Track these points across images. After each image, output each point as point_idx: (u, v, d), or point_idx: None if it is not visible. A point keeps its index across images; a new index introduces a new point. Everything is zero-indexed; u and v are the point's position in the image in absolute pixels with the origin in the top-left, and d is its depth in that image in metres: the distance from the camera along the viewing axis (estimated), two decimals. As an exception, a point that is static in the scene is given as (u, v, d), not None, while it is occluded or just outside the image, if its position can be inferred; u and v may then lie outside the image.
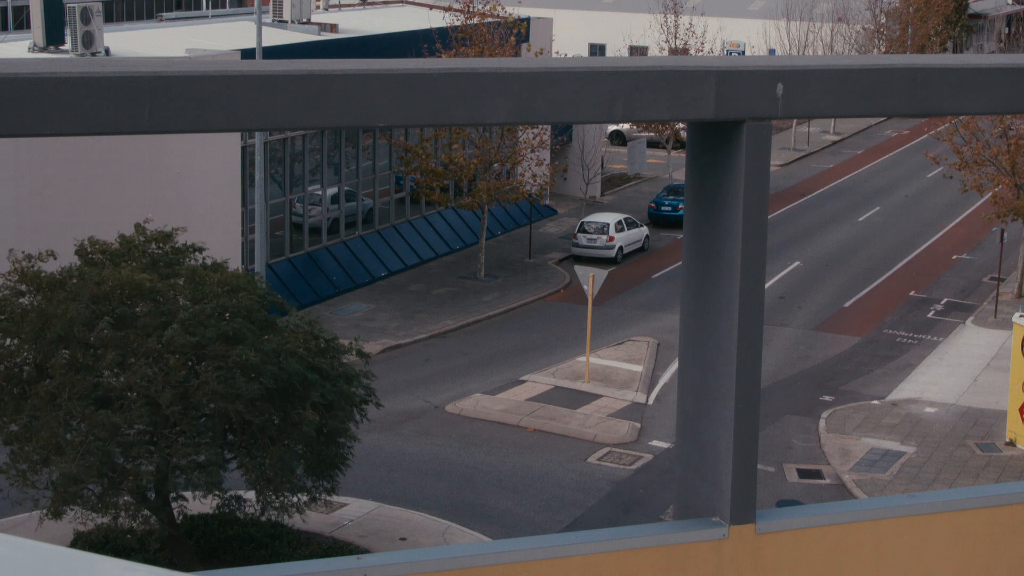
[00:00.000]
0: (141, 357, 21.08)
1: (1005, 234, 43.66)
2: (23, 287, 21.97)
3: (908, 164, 66.35)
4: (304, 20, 47.99)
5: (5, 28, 61.31)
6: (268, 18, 46.72)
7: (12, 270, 22.08)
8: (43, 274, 21.90)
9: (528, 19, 54.10)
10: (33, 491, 21.47)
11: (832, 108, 3.94)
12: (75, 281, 21.60)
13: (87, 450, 20.60)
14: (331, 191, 46.17)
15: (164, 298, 21.92)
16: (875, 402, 35.02)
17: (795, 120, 66.76)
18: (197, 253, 23.62)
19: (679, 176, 58.04)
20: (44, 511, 21.49)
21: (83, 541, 23.42)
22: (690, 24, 66.45)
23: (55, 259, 22.13)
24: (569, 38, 77.24)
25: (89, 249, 22.87)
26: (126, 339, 21.18)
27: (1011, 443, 31.84)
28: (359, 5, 62.74)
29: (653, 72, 3.66)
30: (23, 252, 22.48)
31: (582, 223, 49.27)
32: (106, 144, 33.67)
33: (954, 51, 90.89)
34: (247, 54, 38.48)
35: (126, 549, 23.02)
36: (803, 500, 28.19)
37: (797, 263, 47.61)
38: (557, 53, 61.93)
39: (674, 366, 35.84)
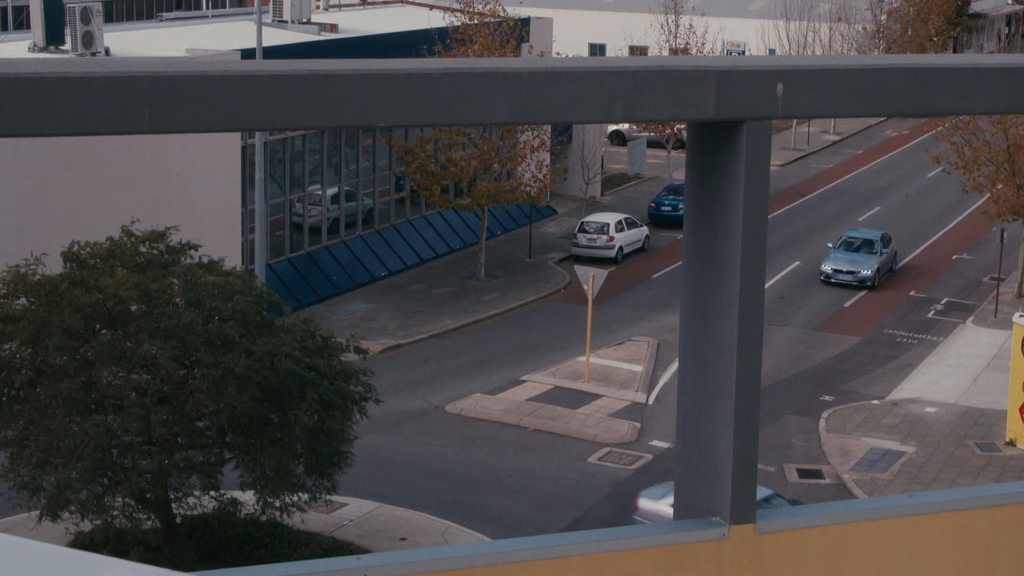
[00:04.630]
0: (135, 364, 21.06)
1: (1005, 234, 43.66)
2: (17, 291, 21.94)
3: (908, 164, 66.34)
4: (304, 20, 48.00)
5: (5, 28, 61.30)
6: (268, 18, 46.71)
7: (6, 278, 22.04)
8: (36, 278, 21.85)
9: (528, 19, 54.10)
10: (31, 494, 21.46)
11: (832, 108, 3.94)
12: (65, 286, 21.54)
13: (81, 455, 20.59)
14: (331, 191, 46.18)
15: (158, 300, 21.87)
16: (875, 402, 35.02)
17: (795, 120, 66.76)
18: (192, 251, 23.58)
19: (679, 176, 58.03)
20: (40, 513, 21.48)
21: (82, 541, 23.41)
22: (690, 24, 66.44)
23: (44, 265, 22.07)
24: (569, 38, 77.19)
25: (79, 254, 22.76)
26: (119, 348, 21.13)
27: (1011, 443, 31.84)
28: (359, 5, 62.74)
29: (653, 72, 3.66)
30: (10, 266, 22.43)
31: (582, 223, 49.27)
32: (106, 144, 33.67)
33: (954, 51, 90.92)
34: (247, 54, 38.47)
35: (126, 549, 23.02)
36: (803, 500, 28.19)
37: (797, 263, 47.60)
38: (557, 53, 61.91)
39: (674, 366, 35.84)
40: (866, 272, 44.90)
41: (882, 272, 45.76)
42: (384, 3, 61.65)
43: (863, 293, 44.73)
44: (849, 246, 46.11)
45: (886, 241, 47.04)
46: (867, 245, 46.10)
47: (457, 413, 33.36)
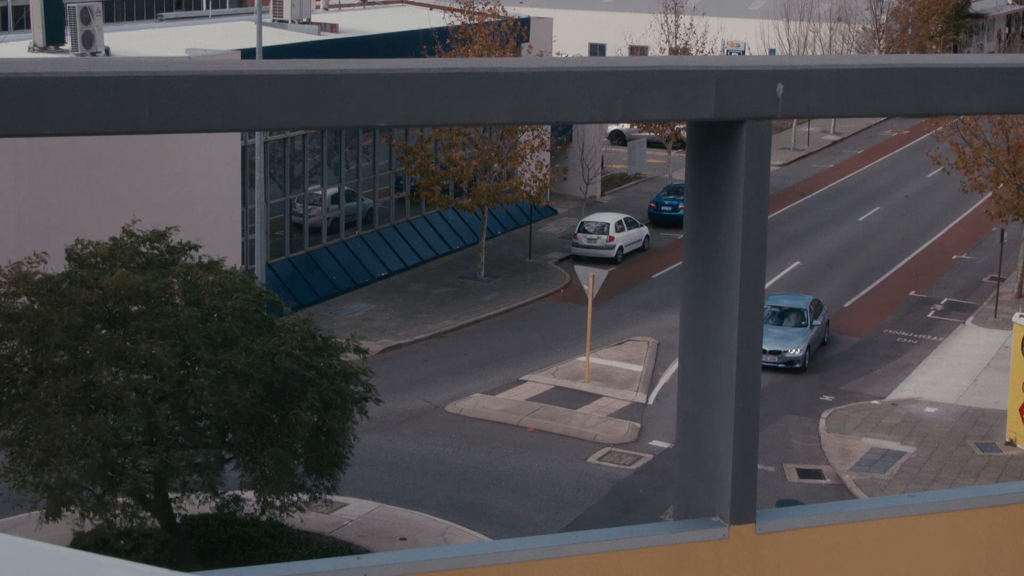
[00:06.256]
0: (135, 363, 21.06)
1: (1005, 234, 43.67)
2: (19, 290, 21.93)
3: (908, 164, 66.36)
4: (304, 20, 48.00)
5: (5, 28, 61.30)
6: (268, 18, 46.71)
7: (7, 276, 22.04)
8: (37, 276, 21.86)
9: (528, 19, 54.11)
10: (32, 493, 21.47)
11: (832, 108, 3.94)
12: (67, 285, 21.55)
13: (83, 453, 20.60)
14: (331, 191, 46.19)
15: (158, 299, 21.87)
16: (875, 402, 35.02)
17: (795, 120, 66.77)
18: (192, 251, 23.58)
19: (679, 176, 58.05)
20: (41, 513, 21.48)
21: (83, 541, 23.41)
22: (690, 24, 66.47)
23: (46, 263, 22.08)
24: (569, 38, 77.21)
25: (81, 253, 22.76)
26: (119, 346, 21.14)
27: (1011, 443, 31.85)
28: (359, 5, 62.74)
29: (653, 72, 3.66)
30: (11, 262, 22.45)
31: (582, 223, 49.28)
32: (106, 144, 33.67)
33: (954, 51, 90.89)
34: (247, 54, 38.48)
35: (126, 549, 23.02)
36: (803, 500, 28.19)
37: (797, 263, 47.61)
38: (557, 53, 61.91)
39: (674, 366, 35.84)
40: (794, 352, 36.62)
41: (813, 348, 37.71)
42: (384, 3, 61.65)
43: (864, 292, 44.74)
44: (772, 317, 37.35)
45: (816, 309, 38.72)
46: (794, 315, 37.84)
47: (457, 413, 33.37)
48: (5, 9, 67.80)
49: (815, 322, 38.06)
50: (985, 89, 4.05)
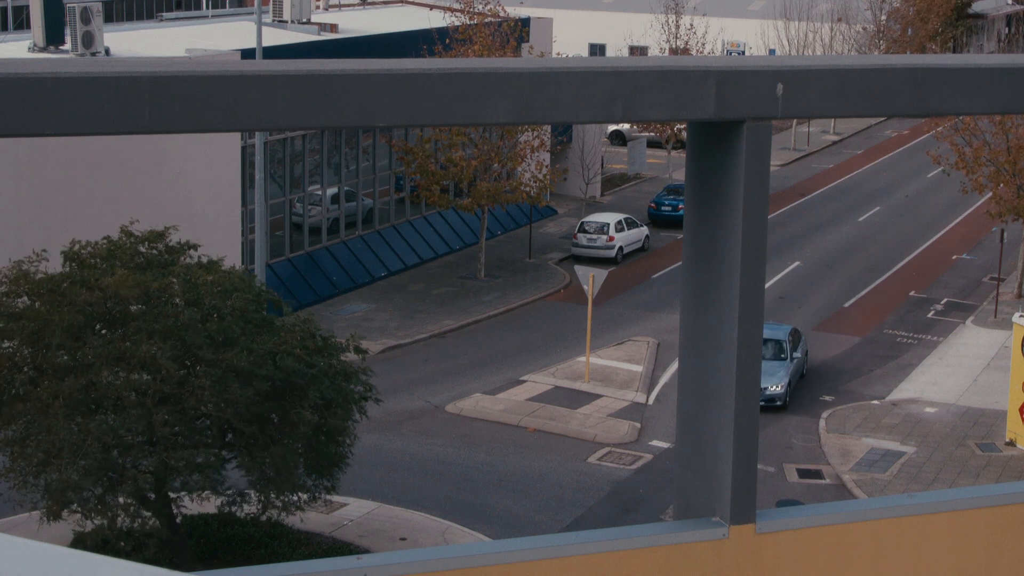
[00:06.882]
0: (135, 364, 21.05)
1: (1005, 234, 43.67)
2: (19, 289, 21.92)
3: (908, 164, 66.35)
4: (304, 20, 48.00)
5: (5, 28, 61.29)
6: (268, 18, 46.71)
7: (8, 276, 22.02)
8: (38, 276, 21.84)
9: (528, 19, 54.10)
10: (32, 493, 21.47)
11: (832, 108, 3.94)
12: (67, 285, 21.54)
13: (84, 454, 20.59)
14: (331, 191, 46.19)
15: (158, 300, 21.85)
16: (875, 402, 35.02)
17: (795, 120, 66.76)
18: (192, 251, 23.57)
19: (679, 176, 58.03)
20: (42, 513, 21.47)
21: (84, 541, 23.40)
22: (690, 24, 66.46)
23: (47, 260, 22.06)
24: (569, 38, 77.20)
25: (80, 253, 22.72)
26: (120, 346, 21.13)
27: (1011, 443, 31.85)
28: (359, 5, 62.74)
29: (653, 72, 3.66)
30: (12, 261, 22.43)
31: (582, 223, 49.28)
32: (106, 144, 33.65)
33: (954, 51, 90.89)
34: (247, 54, 38.47)
35: (126, 549, 23.01)
36: (803, 500, 28.19)
37: (797, 263, 47.61)
38: (557, 53, 61.89)
39: (674, 366, 35.83)
40: (775, 388, 33.43)
41: (793, 383, 34.61)
42: (384, 3, 61.65)
43: (864, 292, 44.72)
44: None
45: (795, 340, 35.45)
46: (772, 347, 34.32)
47: (457, 413, 33.36)
48: (5, 9, 67.80)
49: (795, 354, 34.91)
50: (985, 89, 4.05)
